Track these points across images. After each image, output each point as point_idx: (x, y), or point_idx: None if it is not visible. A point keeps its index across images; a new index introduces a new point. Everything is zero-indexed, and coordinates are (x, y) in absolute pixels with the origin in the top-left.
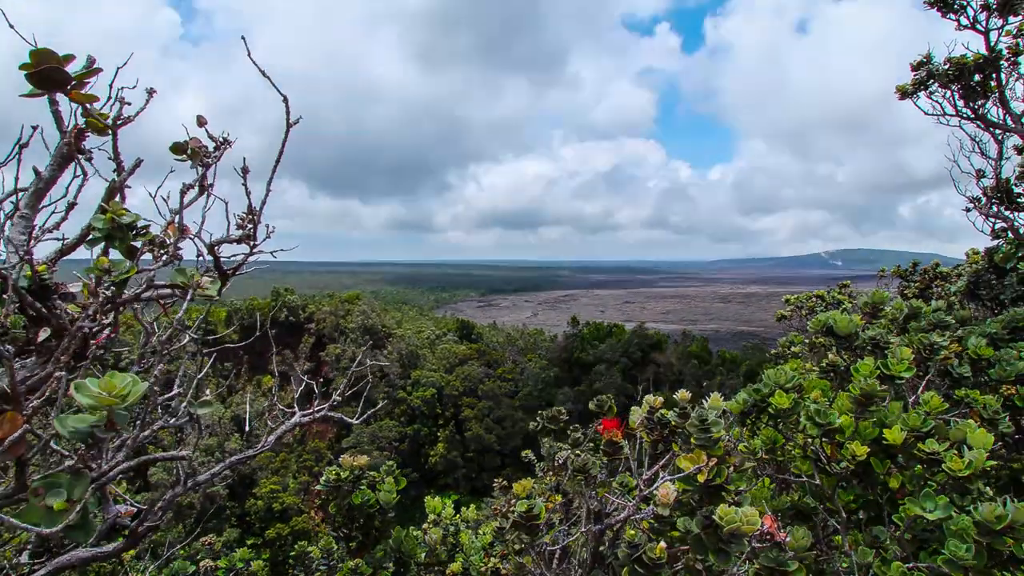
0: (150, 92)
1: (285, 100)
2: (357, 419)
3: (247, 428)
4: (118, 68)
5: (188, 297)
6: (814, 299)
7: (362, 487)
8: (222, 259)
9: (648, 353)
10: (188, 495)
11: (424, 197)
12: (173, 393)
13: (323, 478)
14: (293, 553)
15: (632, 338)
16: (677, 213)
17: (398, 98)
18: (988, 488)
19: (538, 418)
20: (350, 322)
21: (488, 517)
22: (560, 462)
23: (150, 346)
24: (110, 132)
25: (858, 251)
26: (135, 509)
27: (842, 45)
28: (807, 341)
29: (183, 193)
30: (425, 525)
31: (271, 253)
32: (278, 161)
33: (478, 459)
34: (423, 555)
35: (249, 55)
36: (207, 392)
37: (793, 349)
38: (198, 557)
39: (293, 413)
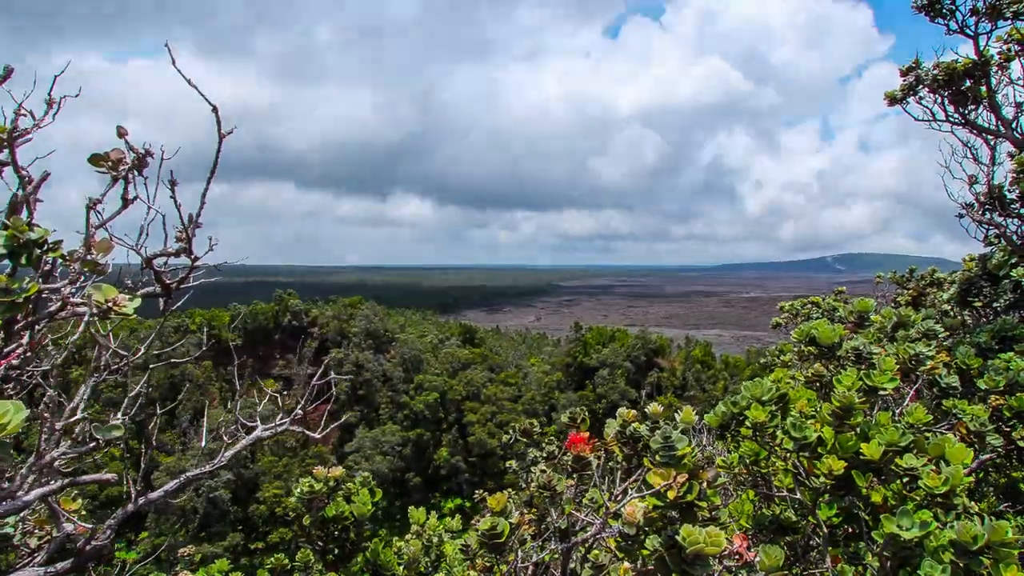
0: (49, 103)
1: (215, 110)
2: (319, 433)
3: (203, 443)
4: (55, 76)
5: (86, 316)
6: (809, 306)
7: (337, 499)
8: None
9: (651, 358)
10: (191, 500)
11: None
12: (77, 417)
13: (297, 490)
14: (269, 566)
15: (635, 343)
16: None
17: None
18: (973, 503)
19: (510, 430)
20: (353, 326)
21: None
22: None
23: (101, 363)
24: (6, 146)
25: (863, 255)
26: (87, 527)
27: None
28: (796, 350)
29: (90, 208)
30: (408, 536)
31: (215, 266)
32: (213, 171)
33: (481, 463)
34: (402, 568)
35: (174, 63)
36: (117, 415)
37: (783, 358)
38: (175, 569)
39: (254, 427)
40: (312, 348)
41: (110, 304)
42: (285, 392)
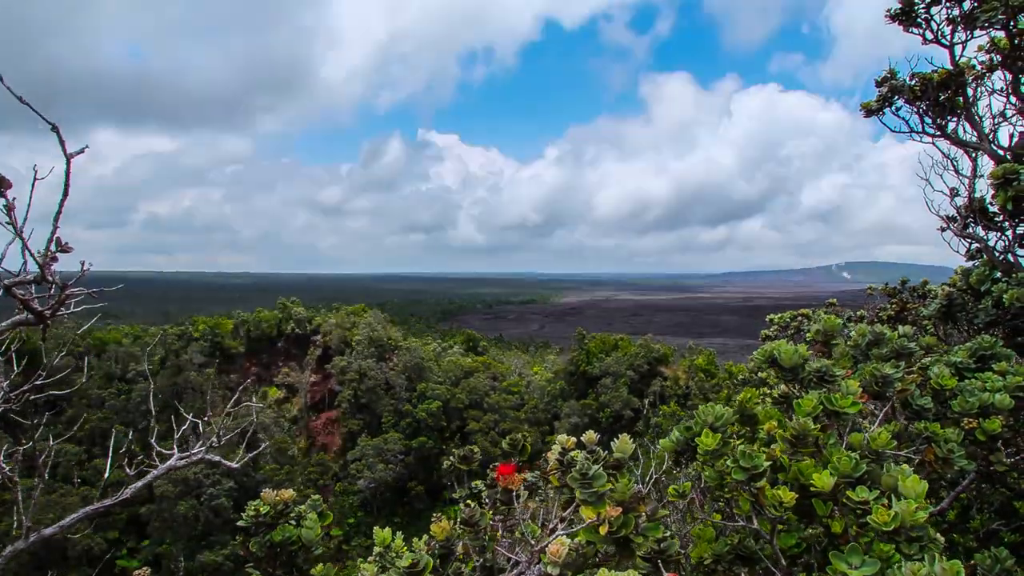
0: None
1: (55, 129)
2: (237, 463)
3: (107, 474)
4: None
5: None
6: (799, 318)
7: (290, 522)
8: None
9: (654, 366)
10: (192, 508)
11: None
12: None
13: (245, 514)
14: None
15: (638, 351)
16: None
17: None
18: (940, 535)
19: (451, 456)
20: (356, 334)
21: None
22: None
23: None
24: None
25: (869, 264)
26: None
27: None
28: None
29: None
30: (371, 558)
31: (90, 293)
32: (65, 194)
33: (484, 473)
34: None
35: (1, 80)
36: None
37: (760, 375)
38: None
39: (171, 454)
40: (315, 356)
41: None
42: (288, 399)
